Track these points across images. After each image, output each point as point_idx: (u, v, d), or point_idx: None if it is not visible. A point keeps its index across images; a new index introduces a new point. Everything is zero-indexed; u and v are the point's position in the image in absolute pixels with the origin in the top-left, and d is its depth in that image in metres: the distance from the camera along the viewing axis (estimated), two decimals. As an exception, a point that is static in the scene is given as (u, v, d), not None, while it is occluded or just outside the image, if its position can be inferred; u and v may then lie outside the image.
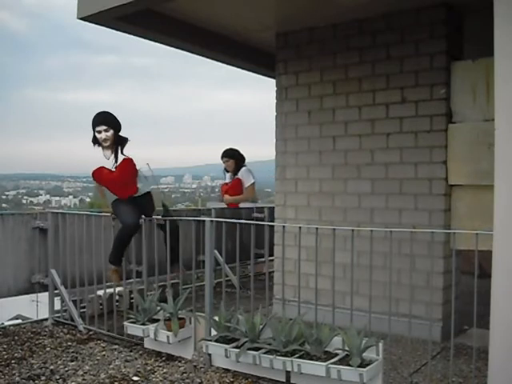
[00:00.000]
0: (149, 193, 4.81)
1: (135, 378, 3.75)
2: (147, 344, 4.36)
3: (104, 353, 4.29)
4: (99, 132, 4.43)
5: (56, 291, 5.18)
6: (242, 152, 7.30)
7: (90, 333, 4.82)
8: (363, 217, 5.05)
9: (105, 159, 4.55)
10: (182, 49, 5.98)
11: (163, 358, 4.17)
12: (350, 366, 3.21)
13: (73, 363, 4.03)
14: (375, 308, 3.67)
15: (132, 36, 5.43)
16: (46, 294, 5.28)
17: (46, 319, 5.22)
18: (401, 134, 4.87)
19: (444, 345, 4.37)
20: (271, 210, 6.56)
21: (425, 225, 4.62)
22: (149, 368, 3.96)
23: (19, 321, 5.60)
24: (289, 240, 4.46)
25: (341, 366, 3.23)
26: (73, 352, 4.29)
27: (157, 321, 4.20)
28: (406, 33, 4.80)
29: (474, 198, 4.45)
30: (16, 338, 4.66)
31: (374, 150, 5.02)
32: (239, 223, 4.13)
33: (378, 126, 5.00)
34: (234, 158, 7.02)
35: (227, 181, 7.12)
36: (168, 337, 4.03)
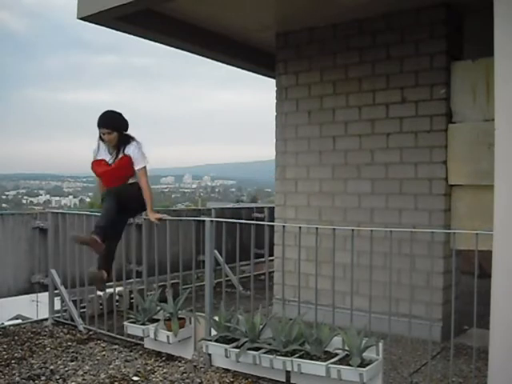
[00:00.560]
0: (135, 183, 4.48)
1: (135, 378, 3.75)
2: (147, 344, 4.36)
3: (104, 353, 4.29)
4: (103, 134, 4.35)
5: (56, 291, 5.18)
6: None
7: (90, 333, 4.82)
8: (363, 217, 5.05)
9: (106, 153, 4.46)
10: (182, 49, 5.98)
11: (163, 358, 4.17)
12: (350, 365, 3.21)
13: (73, 363, 4.03)
14: (375, 308, 3.67)
15: (132, 36, 5.43)
16: (46, 294, 5.28)
17: (46, 319, 5.22)
18: (401, 134, 4.87)
19: (444, 345, 4.37)
20: (271, 209, 6.56)
21: (425, 225, 4.62)
22: (149, 368, 3.96)
23: (19, 321, 5.61)
24: (289, 240, 4.46)
25: (341, 366, 3.23)
26: (73, 352, 4.29)
27: (157, 321, 4.20)
28: (406, 33, 4.81)
29: (474, 198, 4.45)
30: (16, 337, 4.66)
31: (374, 150, 5.02)
32: (239, 223, 4.13)
33: (378, 125, 5.00)
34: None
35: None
36: (168, 337, 4.04)
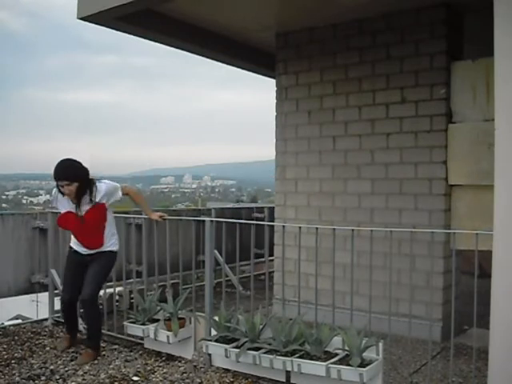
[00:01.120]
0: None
1: (135, 378, 3.75)
2: (147, 344, 4.36)
3: (104, 353, 4.29)
4: (61, 186, 3.94)
5: (56, 291, 5.18)
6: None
7: (90, 333, 4.82)
8: (363, 217, 5.05)
9: (69, 203, 4.07)
10: (182, 49, 5.98)
11: (163, 358, 4.17)
12: (350, 365, 3.21)
13: (73, 363, 4.02)
14: (375, 308, 3.67)
15: (132, 36, 5.43)
16: (46, 294, 5.28)
17: (46, 319, 5.22)
18: (401, 134, 4.87)
19: (444, 345, 4.37)
20: (271, 210, 6.56)
21: (425, 225, 4.62)
22: (149, 368, 3.96)
23: (19, 321, 5.61)
24: (289, 240, 4.46)
25: (341, 366, 3.23)
26: (73, 352, 4.29)
27: (157, 321, 4.20)
28: (406, 33, 4.81)
29: (474, 198, 4.45)
30: (16, 337, 4.66)
31: (374, 150, 5.02)
32: (239, 223, 4.13)
33: (378, 125, 5.00)
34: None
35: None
36: (168, 337, 4.03)
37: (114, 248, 4.25)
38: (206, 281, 4.22)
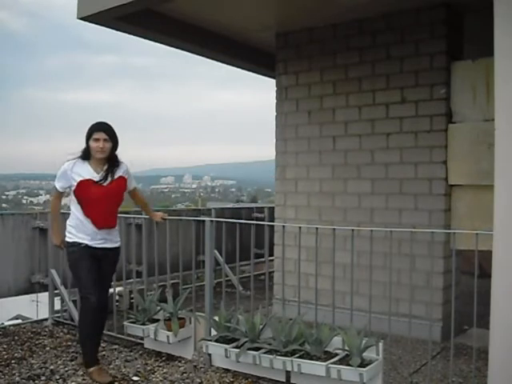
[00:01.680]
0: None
1: (135, 378, 3.75)
2: (147, 344, 4.36)
3: (104, 353, 4.29)
4: (96, 140, 3.64)
5: (56, 291, 5.18)
6: None
7: (90, 333, 4.82)
8: (363, 217, 5.05)
9: (90, 171, 3.71)
10: (182, 49, 5.98)
11: (163, 358, 4.16)
12: (350, 365, 3.21)
13: (73, 363, 4.02)
14: (375, 308, 3.67)
15: (132, 36, 5.43)
16: (46, 294, 5.28)
17: (46, 319, 5.22)
18: (401, 134, 4.87)
19: (444, 345, 4.37)
20: (271, 210, 6.56)
21: (425, 225, 4.62)
22: (149, 368, 3.96)
23: (19, 321, 5.61)
24: (289, 240, 4.46)
25: (341, 366, 3.23)
26: (73, 352, 4.29)
27: (157, 321, 4.20)
28: (406, 33, 4.81)
29: (474, 198, 4.45)
30: (16, 338, 4.66)
31: (374, 150, 5.02)
32: (239, 223, 4.13)
33: (378, 125, 5.00)
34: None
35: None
36: (168, 337, 4.03)
37: (120, 244, 3.99)
38: (205, 281, 4.22)
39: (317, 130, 5.37)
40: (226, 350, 3.69)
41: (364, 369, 3.17)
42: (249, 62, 6.52)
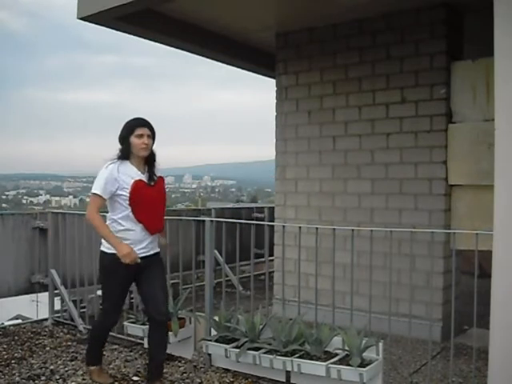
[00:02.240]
0: None
1: (135, 378, 3.75)
2: (147, 344, 4.35)
3: (104, 353, 4.27)
4: (140, 136, 3.29)
5: (56, 291, 5.18)
6: None
7: (90, 333, 4.82)
8: (363, 217, 5.05)
9: (135, 171, 3.34)
10: (182, 49, 5.98)
11: (163, 358, 4.16)
12: (349, 365, 3.21)
13: (73, 363, 4.02)
14: (375, 308, 3.67)
15: (132, 36, 5.43)
16: (46, 294, 5.28)
17: (46, 319, 5.22)
18: (401, 134, 4.87)
19: (444, 345, 4.37)
20: (271, 210, 6.56)
21: (425, 225, 4.62)
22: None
23: (19, 321, 5.61)
24: (289, 240, 4.46)
25: (341, 366, 3.23)
26: (73, 352, 4.29)
27: (157, 321, 4.19)
28: (406, 33, 4.81)
29: (474, 197, 4.45)
30: (16, 338, 4.66)
31: (374, 150, 5.02)
32: (239, 223, 4.13)
33: (378, 125, 5.00)
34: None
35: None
36: (168, 337, 4.03)
37: None
38: (205, 281, 4.22)
39: (317, 130, 5.37)
40: (226, 349, 3.69)
41: (364, 369, 3.17)
42: (249, 62, 6.52)
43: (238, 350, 3.62)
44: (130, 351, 4.34)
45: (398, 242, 4.25)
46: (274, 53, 5.69)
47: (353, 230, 3.66)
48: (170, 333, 4.02)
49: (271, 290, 5.35)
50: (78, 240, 4.97)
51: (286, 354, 3.45)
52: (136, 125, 3.34)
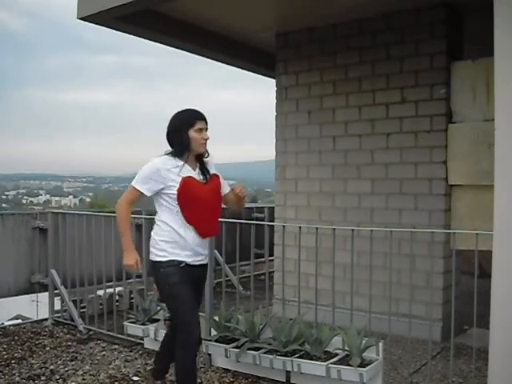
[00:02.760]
0: None
1: (135, 378, 3.75)
2: (147, 344, 4.36)
3: (104, 353, 4.29)
4: (200, 130, 2.96)
5: (56, 291, 5.18)
6: None
7: (90, 333, 4.82)
8: (363, 217, 5.05)
9: (188, 168, 2.97)
10: (182, 49, 5.98)
11: (163, 358, 4.16)
12: (349, 365, 3.21)
13: (73, 363, 4.03)
14: (375, 308, 3.67)
15: (132, 36, 5.43)
16: (46, 294, 5.28)
17: (46, 319, 5.22)
18: (401, 133, 4.87)
19: (444, 345, 4.37)
20: (271, 210, 6.56)
21: (425, 225, 4.62)
22: (149, 368, 3.95)
23: (19, 321, 5.60)
24: (289, 240, 4.46)
25: (341, 366, 3.24)
26: (73, 352, 4.29)
27: (157, 321, 4.20)
28: (406, 33, 4.81)
29: (474, 197, 4.45)
30: (16, 338, 4.66)
31: (374, 150, 5.02)
32: (239, 223, 4.13)
33: (378, 125, 5.00)
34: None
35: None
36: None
37: None
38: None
39: (317, 130, 5.37)
40: (225, 349, 3.69)
41: (364, 369, 3.17)
42: (249, 62, 6.52)
43: (238, 350, 3.62)
44: (130, 351, 4.34)
45: (398, 242, 4.25)
46: (274, 53, 5.69)
47: (353, 230, 3.66)
48: (170, 333, 4.02)
49: (271, 290, 5.35)
50: (78, 240, 4.97)
51: (285, 354, 3.45)
52: (196, 117, 2.97)
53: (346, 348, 3.37)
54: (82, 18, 4.76)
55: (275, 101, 5.67)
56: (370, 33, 5.02)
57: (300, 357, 3.41)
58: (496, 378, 2.89)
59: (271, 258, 5.45)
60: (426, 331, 3.58)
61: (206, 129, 3.01)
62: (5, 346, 4.40)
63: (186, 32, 5.39)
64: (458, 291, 4.55)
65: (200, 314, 4.13)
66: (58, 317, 5.20)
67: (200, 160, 3.05)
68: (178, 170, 2.91)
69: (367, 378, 3.18)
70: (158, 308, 4.26)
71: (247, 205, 7.55)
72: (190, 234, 2.93)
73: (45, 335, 4.78)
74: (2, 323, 5.46)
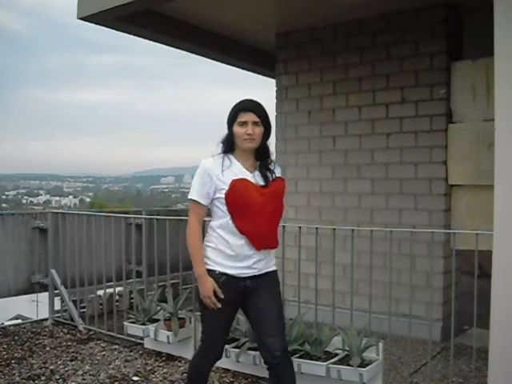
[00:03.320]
0: None
1: (135, 378, 3.75)
2: (147, 344, 4.36)
3: (104, 353, 4.29)
4: (243, 124, 2.57)
5: (56, 291, 5.18)
6: None
7: (90, 333, 4.82)
8: (363, 217, 5.05)
9: (241, 168, 2.62)
10: (182, 49, 5.98)
11: (163, 358, 4.16)
12: (349, 365, 3.21)
13: (73, 363, 4.03)
14: (375, 308, 3.66)
15: (132, 36, 5.43)
16: (46, 294, 5.28)
17: (46, 319, 5.22)
18: (401, 133, 4.87)
19: (444, 345, 4.37)
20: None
21: (425, 225, 4.62)
22: (149, 368, 3.96)
23: (19, 321, 5.60)
24: (289, 240, 4.45)
25: (341, 366, 3.23)
26: (73, 352, 4.29)
27: (157, 321, 4.20)
28: (406, 33, 4.81)
29: (474, 197, 4.45)
30: (16, 337, 4.66)
31: (374, 149, 5.02)
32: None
33: (377, 125, 5.00)
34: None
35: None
36: (168, 337, 4.03)
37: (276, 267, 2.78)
38: (206, 281, 4.21)
39: (317, 129, 5.37)
40: (226, 349, 3.69)
41: (364, 369, 3.17)
42: (249, 62, 6.52)
43: (238, 350, 3.62)
44: (130, 351, 4.34)
45: (398, 242, 4.25)
46: (274, 53, 5.69)
47: (353, 230, 3.66)
48: (170, 333, 4.03)
49: (271, 290, 5.34)
50: (78, 240, 4.97)
51: (285, 354, 3.45)
52: (239, 109, 2.61)
53: (346, 348, 3.37)
54: (81, 18, 4.77)
55: (275, 101, 5.67)
56: (370, 33, 5.02)
57: (300, 357, 3.40)
58: (496, 378, 2.89)
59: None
60: (425, 331, 3.58)
61: (256, 122, 2.58)
62: (5, 346, 4.40)
63: (186, 32, 5.39)
64: (458, 291, 4.55)
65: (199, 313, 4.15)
66: (58, 317, 5.20)
67: (262, 159, 2.68)
68: (228, 172, 2.58)
69: (367, 378, 3.18)
70: (158, 308, 4.26)
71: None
72: (240, 244, 2.57)
73: (45, 335, 4.78)
74: (2, 323, 5.46)
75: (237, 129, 2.59)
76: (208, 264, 2.62)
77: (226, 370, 3.87)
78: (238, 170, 2.60)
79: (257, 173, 2.64)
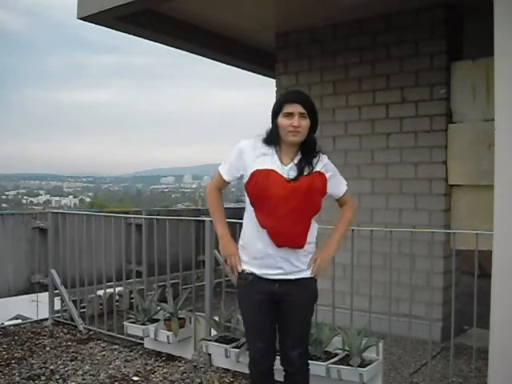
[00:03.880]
0: None
1: (135, 378, 3.75)
2: (147, 344, 4.36)
3: (104, 353, 4.29)
4: (289, 115, 2.47)
5: (56, 291, 5.18)
6: None
7: (90, 333, 4.82)
8: (363, 217, 5.04)
9: (273, 158, 2.50)
10: (182, 49, 5.98)
11: (163, 358, 4.16)
12: (350, 365, 3.21)
13: (73, 363, 4.02)
14: (375, 308, 3.66)
15: (132, 36, 5.43)
16: (46, 294, 5.28)
17: (46, 319, 5.22)
18: (401, 133, 4.87)
19: (444, 345, 4.37)
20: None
21: (425, 225, 4.62)
22: (149, 368, 3.96)
23: (19, 321, 5.61)
24: (289, 240, 4.45)
25: (341, 366, 3.23)
26: (73, 352, 4.29)
27: (157, 321, 4.20)
28: (406, 33, 4.81)
29: (474, 197, 4.45)
30: (16, 337, 4.66)
31: (374, 150, 5.02)
32: (239, 223, 4.12)
33: (377, 125, 5.00)
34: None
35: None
36: (168, 337, 4.03)
37: (312, 273, 2.57)
38: (205, 281, 4.22)
39: (317, 129, 5.36)
40: (225, 349, 3.69)
41: (364, 369, 3.17)
42: (249, 62, 6.52)
43: (238, 350, 3.62)
44: (130, 351, 4.34)
45: (398, 242, 4.25)
46: (274, 53, 5.69)
47: (353, 230, 3.66)
48: (170, 333, 4.03)
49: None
50: (78, 240, 4.97)
51: (285, 354, 3.45)
52: (285, 100, 2.51)
53: (346, 348, 3.37)
54: (81, 18, 4.77)
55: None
56: (370, 33, 5.02)
57: (300, 357, 3.40)
58: (496, 378, 2.88)
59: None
60: (425, 331, 3.58)
61: (303, 114, 2.47)
62: (5, 346, 4.40)
63: (186, 32, 5.39)
64: (458, 291, 4.55)
65: (200, 314, 4.16)
66: (58, 317, 5.19)
67: (305, 153, 2.58)
68: (260, 160, 2.45)
69: (367, 378, 3.17)
70: (158, 308, 4.26)
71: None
72: (262, 239, 2.44)
73: (45, 335, 4.78)
74: (2, 323, 5.46)
75: (282, 120, 2.49)
76: (241, 264, 2.52)
77: (226, 370, 3.87)
78: (270, 160, 2.47)
79: (291, 165, 2.49)
